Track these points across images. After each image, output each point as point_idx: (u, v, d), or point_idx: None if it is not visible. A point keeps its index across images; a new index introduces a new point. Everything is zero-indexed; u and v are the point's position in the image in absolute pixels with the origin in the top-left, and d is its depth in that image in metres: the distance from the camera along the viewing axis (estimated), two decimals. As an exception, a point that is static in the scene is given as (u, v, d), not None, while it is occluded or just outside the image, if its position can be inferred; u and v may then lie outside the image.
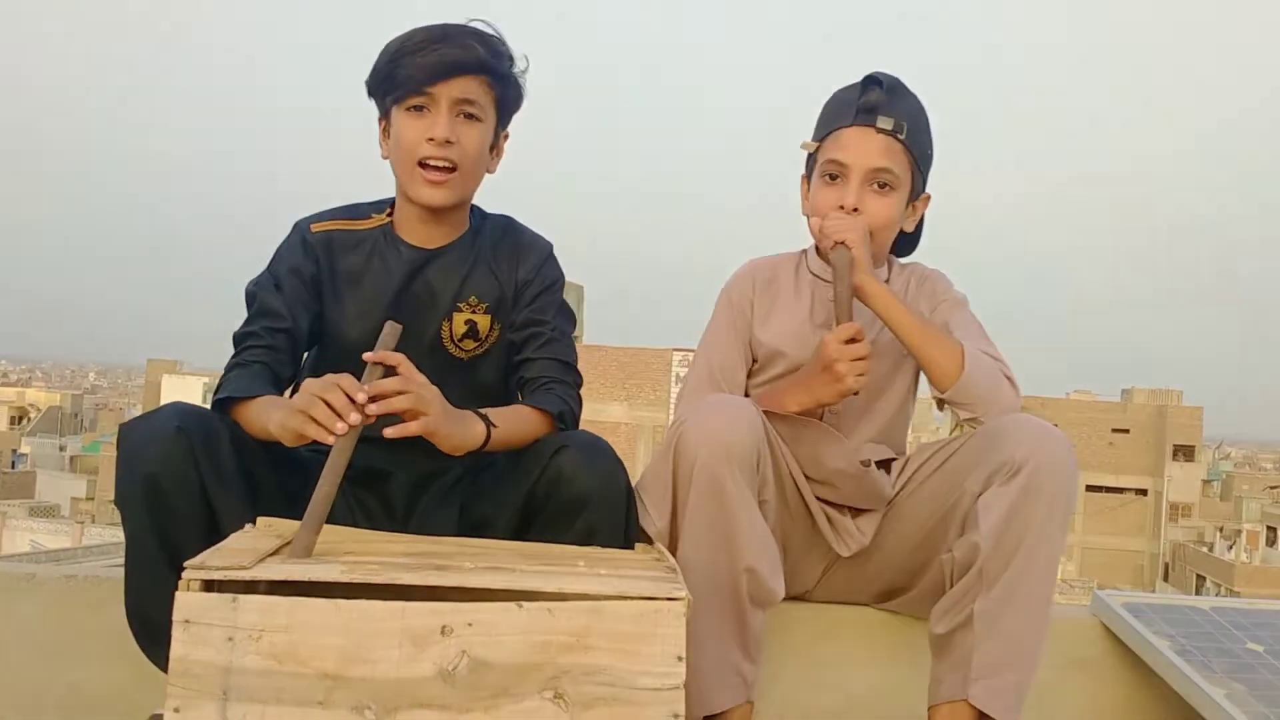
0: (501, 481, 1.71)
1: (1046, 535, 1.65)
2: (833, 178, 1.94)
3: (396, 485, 1.82)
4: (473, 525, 1.72)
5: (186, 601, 1.20)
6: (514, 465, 1.70)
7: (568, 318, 1.87)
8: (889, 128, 1.91)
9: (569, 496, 1.62)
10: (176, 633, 1.18)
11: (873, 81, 1.95)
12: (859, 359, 1.78)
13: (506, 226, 1.91)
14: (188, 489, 1.55)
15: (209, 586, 1.21)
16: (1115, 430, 44.27)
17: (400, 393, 1.48)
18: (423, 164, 1.76)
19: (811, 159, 2.03)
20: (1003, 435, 1.70)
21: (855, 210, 1.90)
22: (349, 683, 1.19)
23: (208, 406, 1.67)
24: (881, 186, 1.92)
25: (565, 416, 1.76)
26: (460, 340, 1.84)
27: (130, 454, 1.55)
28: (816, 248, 2.01)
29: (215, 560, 1.25)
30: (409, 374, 1.51)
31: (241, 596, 1.20)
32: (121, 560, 1.62)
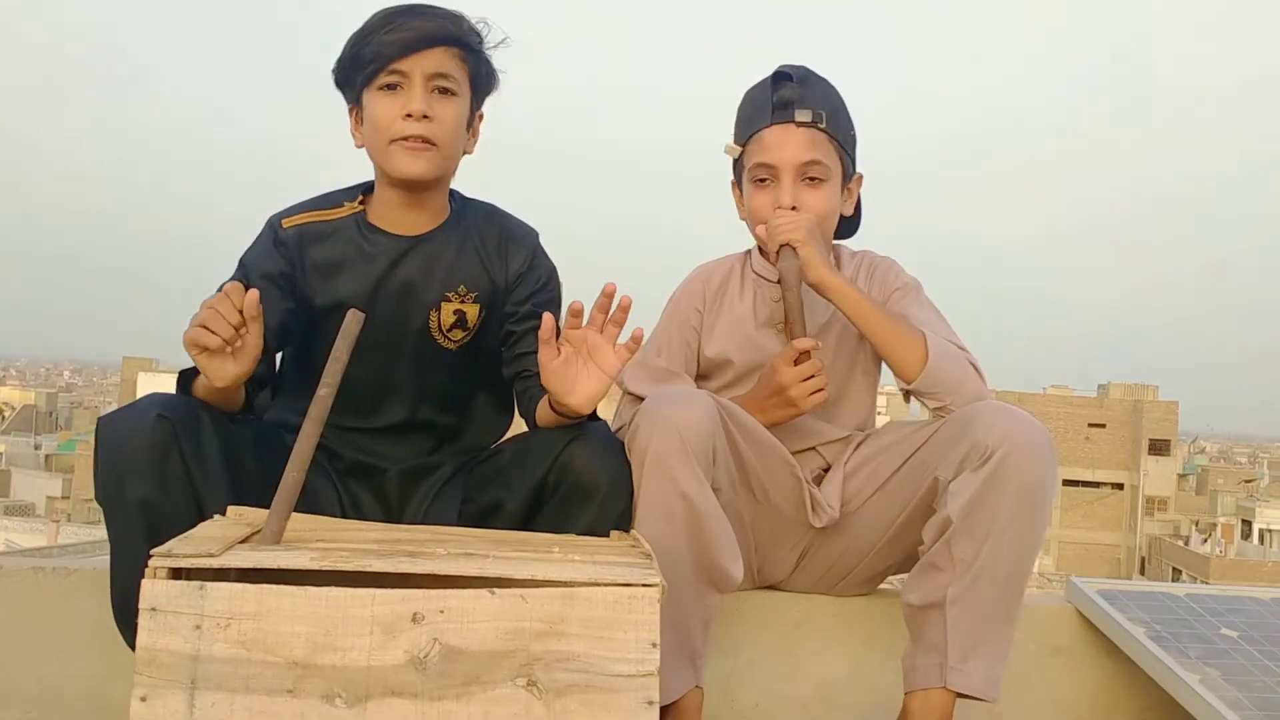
0: (510, 469, 1.70)
1: (1019, 519, 1.63)
2: (763, 181, 1.93)
3: (389, 479, 1.80)
4: (480, 512, 1.70)
5: (153, 589, 1.18)
6: (524, 454, 1.70)
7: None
8: (808, 119, 1.90)
9: (578, 487, 1.63)
10: (143, 621, 1.17)
11: (782, 76, 1.93)
12: (810, 378, 1.78)
13: (491, 214, 1.85)
14: (173, 477, 1.52)
15: (176, 574, 1.19)
16: (1092, 425, 44.57)
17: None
18: (400, 140, 1.70)
19: (738, 163, 2.00)
20: (974, 421, 1.68)
21: (794, 209, 1.88)
22: (319, 670, 1.17)
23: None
24: (813, 180, 1.91)
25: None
26: (449, 330, 1.80)
27: (112, 446, 1.52)
28: (761, 249, 1.99)
29: (183, 548, 1.23)
30: None
31: (209, 584, 1.18)
32: (95, 556, 1.59)
